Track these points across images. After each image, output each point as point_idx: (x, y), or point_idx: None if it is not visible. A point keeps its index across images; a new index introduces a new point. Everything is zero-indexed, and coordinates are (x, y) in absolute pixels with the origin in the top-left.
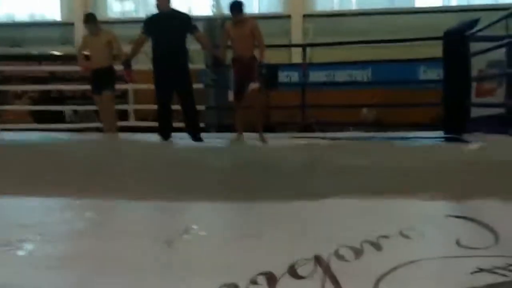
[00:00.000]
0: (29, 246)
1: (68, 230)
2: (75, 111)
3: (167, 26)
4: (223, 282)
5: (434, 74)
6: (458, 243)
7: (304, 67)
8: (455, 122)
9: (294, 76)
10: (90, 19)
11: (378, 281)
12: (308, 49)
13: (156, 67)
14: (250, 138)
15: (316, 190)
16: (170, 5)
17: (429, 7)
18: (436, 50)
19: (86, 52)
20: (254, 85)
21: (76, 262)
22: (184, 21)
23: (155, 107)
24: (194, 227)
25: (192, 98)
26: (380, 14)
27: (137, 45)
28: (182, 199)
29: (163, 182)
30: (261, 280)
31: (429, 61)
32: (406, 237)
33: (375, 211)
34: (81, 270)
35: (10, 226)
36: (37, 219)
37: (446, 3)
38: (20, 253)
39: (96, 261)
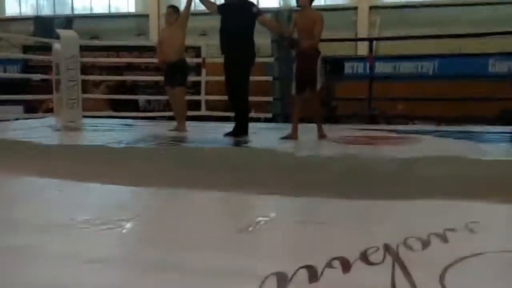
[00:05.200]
0: (127, 225)
1: (160, 214)
2: (148, 100)
3: (235, 14)
4: (301, 264)
5: (504, 67)
6: None
7: (371, 61)
8: None
9: (360, 68)
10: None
11: (444, 270)
12: (374, 41)
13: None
14: (310, 130)
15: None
16: None
17: None
18: (508, 42)
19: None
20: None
21: (164, 238)
22: (248, 8)
23: (224, 97)
24: (272, 215)
25: (241, 86)
26: (449, 6)
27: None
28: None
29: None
30: (336, 264)
31: (499, 54)
32: (472, 231)
33: (443, 209)
34: (168, 245)
35: (111, 207)
36: (134, 203)
37: None
38: (119, 230)
39: (181, 238)
